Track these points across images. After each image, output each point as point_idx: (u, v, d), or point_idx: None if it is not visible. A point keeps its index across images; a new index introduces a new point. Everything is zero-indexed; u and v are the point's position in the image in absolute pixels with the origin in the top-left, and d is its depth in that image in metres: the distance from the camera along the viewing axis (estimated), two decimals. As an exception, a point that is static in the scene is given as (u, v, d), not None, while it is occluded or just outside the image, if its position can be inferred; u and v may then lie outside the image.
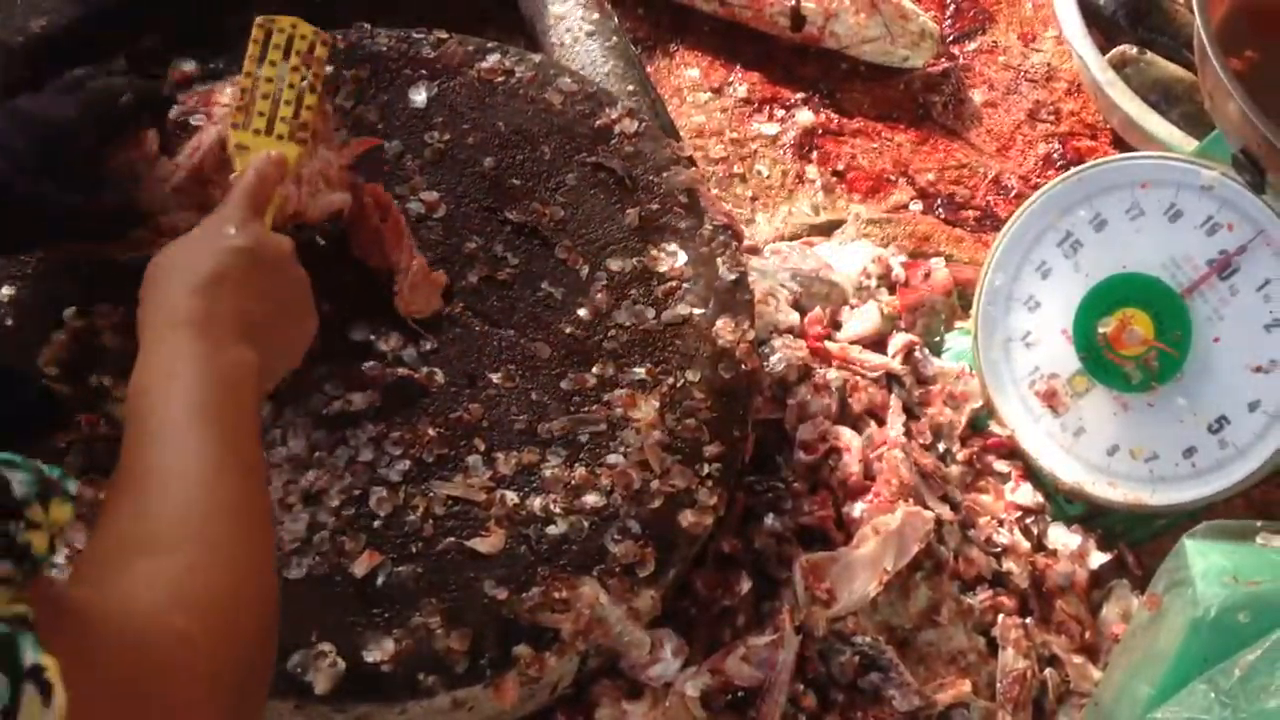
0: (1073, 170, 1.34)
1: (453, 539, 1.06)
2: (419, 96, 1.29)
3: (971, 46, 1.84)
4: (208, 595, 0.65)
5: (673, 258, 1.22)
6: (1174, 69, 1.63)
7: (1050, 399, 1.35)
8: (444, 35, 1.33)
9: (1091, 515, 1.37)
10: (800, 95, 1.76)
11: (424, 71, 1.30)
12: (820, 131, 1.73)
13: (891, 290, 1.53)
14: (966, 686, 1.21)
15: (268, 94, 1.03)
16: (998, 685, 1.23)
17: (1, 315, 1.11)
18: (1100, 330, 1.31)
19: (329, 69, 1.10)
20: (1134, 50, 1.64)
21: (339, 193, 1.09)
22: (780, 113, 1.75)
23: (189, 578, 0.65)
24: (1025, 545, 1.33)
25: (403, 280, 1.13)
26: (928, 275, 1.53)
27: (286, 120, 1.02)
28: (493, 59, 1.32)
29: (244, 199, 0.88)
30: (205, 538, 0.67)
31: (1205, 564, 1.13)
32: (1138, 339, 1.29)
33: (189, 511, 0.68)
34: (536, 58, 1.34)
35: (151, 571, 0.64)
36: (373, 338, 1.14)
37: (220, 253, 0.82)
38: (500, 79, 1.31)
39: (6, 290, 1.12)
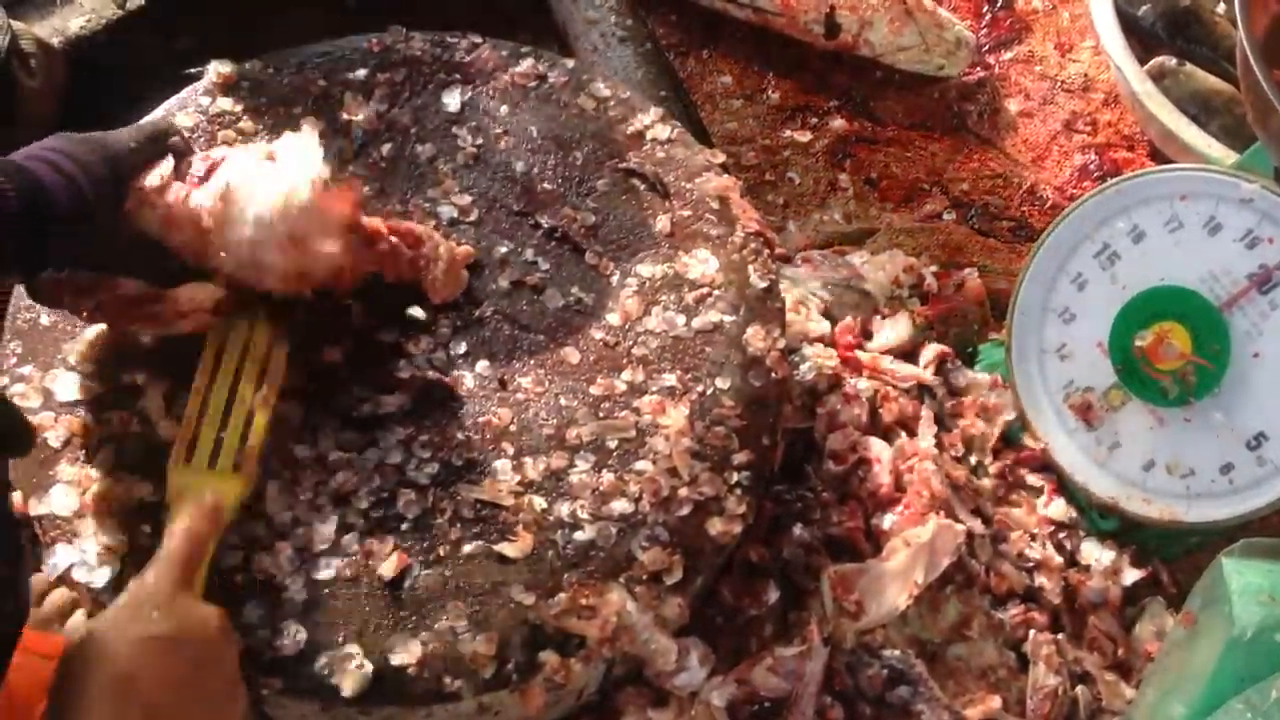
0: (1111, 182, 1.33)
1: (480, 543, 1.05)
2: (452, 100, 1.29)
3: (1007, 56, 1.82)
4: None
5: (704, 264, 1.21)
6: (1213, 81, 1.61)
7: (1085, 412, 1.34)
8: (478, 40, 1.33)
9: (1125, 531, 1.35)
10: (833, 103, 1.76)
11: (458, 76, 1.31)
12: (853, 139, 1.73)
13: (924, 300, 1.52)
14: (996, 702, 1.19)
15: (212, 423, 1.00)
16: (1028, 702, 1.22)
17: (37, 312, 1.12)
18: (1137, 343, 1.29)
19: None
20: (1173, 61, 1.63)
21: (339, 240, 1.06)
22: (813, 120, 1.74)
23: None
24: (1058, 560, 1.32)
25: (432, 270, 1.13)
26: (960, 285, 1.52)
27: (232, 450, 1.00)
28: (526, 64, 1.32)
29: (170, 570, 0.86)
30: None
31: (1242, 582, 1.11)
32: (1175, 353, 1.27)
33: None
34: (570, 63, 1.34)
35: None
36: (402, 340, 1.14)
37: (136, 646, 0.80)
38: (533, 84, 1.31)
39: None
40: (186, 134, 1.20)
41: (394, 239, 1.11)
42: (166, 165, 1.02)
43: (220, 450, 1.00)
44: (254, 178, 1.01)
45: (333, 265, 1.05)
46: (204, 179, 1.01)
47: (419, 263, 1.13)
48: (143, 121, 1.10)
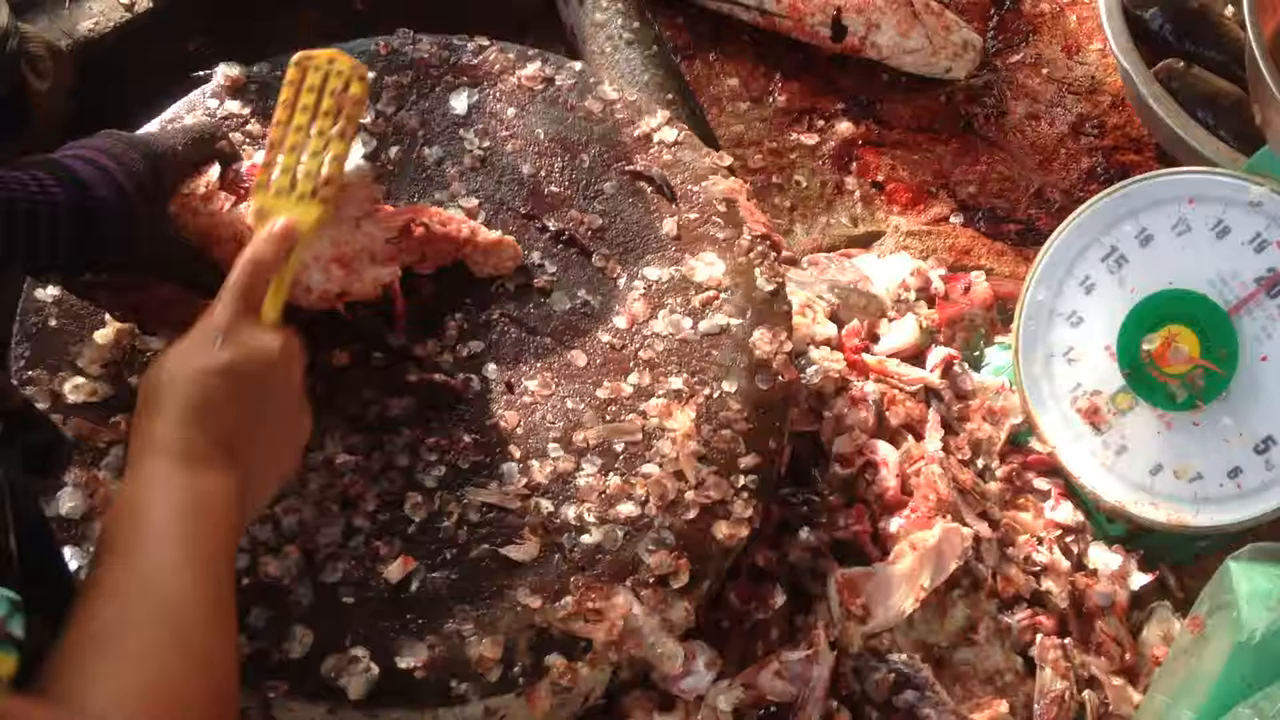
0: (1118, 185, 1.33)
1: (487, 546, 1.05)
2: (460, 103, 1.29)
3: (1015, 58, 1.82)
4: (169, 695, 0.67)
5: (710, 267, 1.21)
6: (1221, 83, 1.61)
7: (1092, 416, 1.34)
8: (485, 42, 1.33)
9: (1133, 535, 1.35)
10: (840, 106, 1.76)
11: (465, 78, 1.31)
12: (860, 142, 1.73)
13: (930, 303, 1.52)
14: (1003, 707, 1.19)
15: (295, 144, 0.98)
16: (1035, 706, 1.22)
17: (46, 315, 1.12)
18: (1145, 347, 1.29)
19: (365, 113, 1.05)
20: (1181, 64, 1.62)
21: (386, 268, 1.09)
22: (820, 123, 1.74)
23: (157, 683, 0.67)
24: (1065, 564, 1.32)
25: (472, 242, 1.15)
26: (968, 289, 1.52)
27: (311, 175, 0.97)
28: (533, 67, 1.32)
29: (234, 299, 0.85)
30: (174, 646, 0.69)
31: (1250, 587, 1.11)
32: (1183, 357, 1.27)
33: (158, 629, 0.69)
34: (577, 66, 1.34)
35: (118, 670, 0.66)
36: (410, 343, 1.14)
37: (202, 376, 0.80)
38: (540, 86, 1.31)
39: (52, 291, 1.13)
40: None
41: (425, 223, 1.12)
42: (214, 172, 1.03)
43: (297, 177, 0.97)
44: None
45: (379, 285, 1.06)
46: (249, 192, 1.01)
47: (457, 239, 1.13)
48: (189, 123, 1.10)
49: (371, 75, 1.28)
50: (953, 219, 1.67)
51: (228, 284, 0.86)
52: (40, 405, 1.07)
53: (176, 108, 1.25)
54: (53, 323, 1.12)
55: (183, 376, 0.80)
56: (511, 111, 1.29)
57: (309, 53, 1.00)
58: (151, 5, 1.48)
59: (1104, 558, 1.33)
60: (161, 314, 1.03)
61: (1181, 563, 1.36)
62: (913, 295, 1.51)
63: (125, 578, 0.71)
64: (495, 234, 1.18)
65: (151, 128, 1.23)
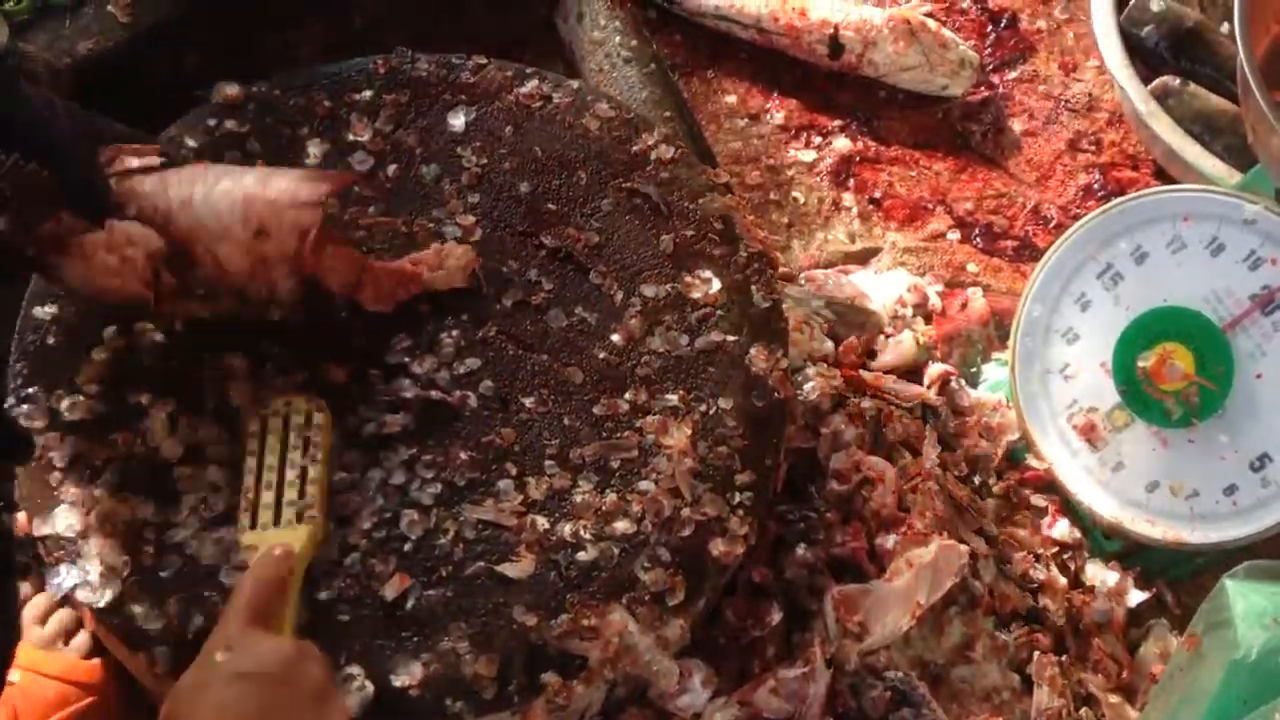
0: (1114, 202, 1.33)
1: (483, 563, 1.05)
2: (457, 121, 1.29)
3: (1011, 75, 1.83)
4: None
5: (707, 284, 1.22)
6: (1217, 101, 1.61)
7: (1088, 433, 1.34)
8: (483, 61, 1.34)
9: (1129, 552, 1.35)
10: (838, 122, 1.76)
11: (463, 96, 1.31)
12: (857, 159, 1.73)
13: (927, 320, 1.52)
14: (1000, 724, 1.19)
15: (271, 483, 1.03)
16: (1032, 723, 1.22)
17: (43, 333, 1.12)
18: (1140, 364, 1.29)
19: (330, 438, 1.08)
20: (1176, 81, 1.63)
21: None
22: (817, 140, 1.75)
23: None
24: (1062, 581, 1.32)
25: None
26: (965, 305, 1.52)
27: (293, 504, 1.01)
28: (531, 84, 1.33)
29: (235, 615, 0.86)
30: None
31: (1246, 605, 1.11)
32: (1178, 374, 1.27)
33: None
34: (574, 83, 1.35)
35: None
36: (407, 360, 1.14)
37: (209, 688, 0.80)
38: (538, 104, 1.32)
39: (49, 308, 1.13)
40: (194, 154, 1.22)
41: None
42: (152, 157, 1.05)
43: (282, 509, 1.02)
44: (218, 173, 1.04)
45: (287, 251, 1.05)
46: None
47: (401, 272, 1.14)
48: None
49: (369, 94, 1.29)
50: (950, 235, 1.67)
51: (230, 604, 0.87)
52: (38, 423, 1.07)
53: (175, 126, 1.26)
54: (50, 340, 1.12)
55: (198, 689, 0.80)
56: (509, 129, 1.30)
57: (267, 406, 1.06)
58: (150, 24, 1.48)
59: (1101, 574, 1.33)
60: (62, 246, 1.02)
61: (1178, 580, 1.36)
62: (910, 311, 1.52)
63: None
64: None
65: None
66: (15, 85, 0.96)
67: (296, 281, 1.05)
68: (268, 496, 1.02)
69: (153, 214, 1.03)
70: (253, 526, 1.01)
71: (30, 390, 1.09)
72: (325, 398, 1.11)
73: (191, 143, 1.23)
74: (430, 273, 1.16)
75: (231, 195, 1.03)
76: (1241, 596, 1.11)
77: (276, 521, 1.01)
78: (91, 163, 1.02)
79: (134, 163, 1.05)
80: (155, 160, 1.07)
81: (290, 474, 1.03)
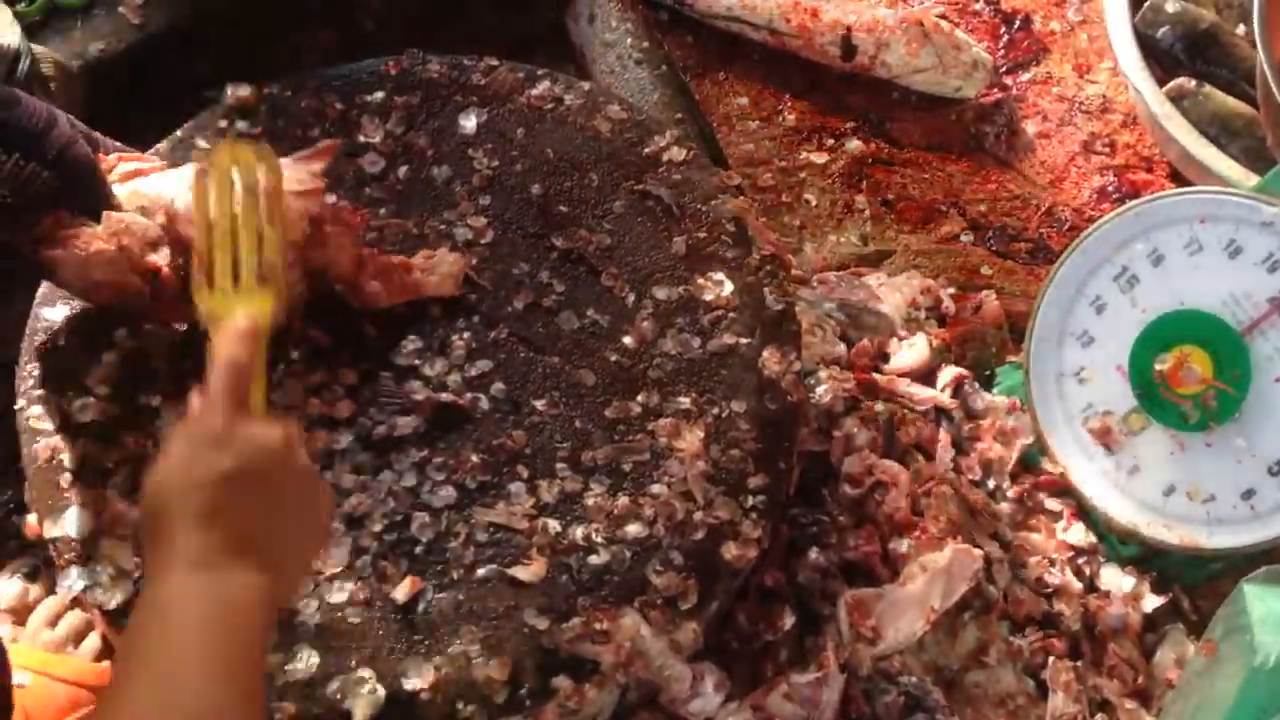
0: (1130, 204, 1.32)
1: (494, 566, 1.05)
2: (469, 123, 1.29)
3: (1025, 77, 1.82)
4: None
5: (719, 287, 1.21)
6: (1233, 103, 1.60)
7: (1104, 436, 1.33)
8: (495, 62, 1.34)
9: (1145, 557, 1.34)
10: (850, 124, 1.75)
11: (474, 98, 1.31)
12: (870, 161, 1.72)
13: (941, 322, 1.51)
14: (1015, 730, 1.18)
15: (224, 245, 0.95)
16: (1047, 729, 1.21)
17: (54, 335, 1.12)
18: (1157, 367, 1.28)
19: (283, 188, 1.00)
20: (1192, 83, 1.62)
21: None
22: (829, 142, 1.74)
23: None
24: (1077, 586, 1.30)
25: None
26: (978, 308, 1.51)
27: (252, 268, 0.94)
28: (542, 86, 1.32)
29: (223, 402, 0.83)
30: None
31: (1264, 610, 1.10)
32: (1196, 377, 1.26)
33: None
34: (586, 85, 1.35)
35: None
36: (418, 362, 1.14)
37: (209, 481, 0.78)
38: (549, 106, 1.31)
39: (61, 310, 1.13)
40: (205, 157, 1.22)
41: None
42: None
43: (239, 270, 0.94)
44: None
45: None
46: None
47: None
48: None
49: (380, 95, 1.29)
50: (963, 237, 1.67)
51: (211, 390, 0.84)
52: (48, 425, 1.07)
53: (187, 127, 1.26)
54: (61, 342, 1.12)
55: (193, 485, 0.78)
56: (520, 131, 1.29)
57: (207, 156, 0.98)
58: (163, 26, 1.48)
59: (1116, 579, 1.32)
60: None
61: (1195, 585, 1.35)
62: (923, 314, 1.51)
63: (143, 677, 0.70)
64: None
65: (161, 148, 1.23)
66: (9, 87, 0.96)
67: (301, 281, 1.05)
68: (222, 258, 0.94)
69: (155, 210, 1.02)
70: (209, 287, 0.94)
71: (41, 392, 1.09)
72: (332, 401, 1.11)
73: (203, 144, 1.23)
74: (422, 276, 1.15)
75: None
76: (1260, 602, 1.10)
77: (235, 283, 0.94)
78: (91, 166, 1.02)
79: (134, 165, 1.05)
80: (158, 163, 1.06)
81: (247, 237, 0.95)
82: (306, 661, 0.98)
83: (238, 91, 1.26)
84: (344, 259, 1.09)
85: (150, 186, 1.04)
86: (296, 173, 1.06)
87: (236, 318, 0.89)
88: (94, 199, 1.02)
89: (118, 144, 1.11)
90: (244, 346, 0.87)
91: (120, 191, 1.05)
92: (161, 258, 1.02)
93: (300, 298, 1.06)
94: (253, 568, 0.76)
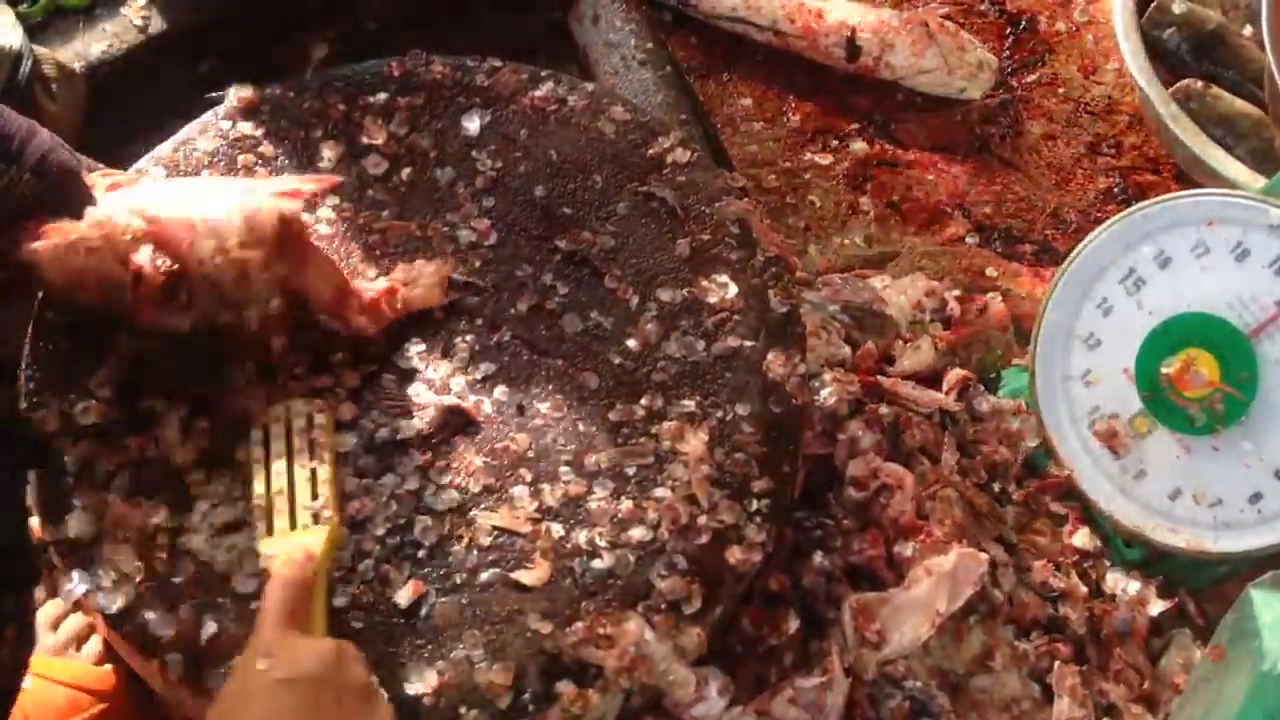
0: (1136, 206, 1.31)
1: (497, 570, 1.04)
2: (472, 124, 1.29)
3: (1030, 78, 1.81)
4: None
5: (724, 289, 1.21)
6: (1240, 104, 1.60)
7: (1110, 440, 1.32)
8: (498, 63, 1.33)
9: (1151, 560, 1.33)
10: (854, 125, 1.75)
11: (478, 99, 1.30)
12: (874, 162, 1.72)
13: (946, 325, 1.51)
14: (1020, 735, 1.18)
15: (282, 490, 1.02)
16: (1053, 734, 1.20)
17: (57, 338, 1.12)
18: (1163, 370, 1.28)
19: (338, 434, 1.07)
20: (1199, 84, 1.61)
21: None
22: (834, 143, 1.74)
23: None
24: (1083, 590, 1.30)
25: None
26: (983, 310, 1.51)
27: (307, 507, 1.01)
28: (546, 87, 1.32)
29: (269, 620, 0.86)
30: None
31: (1272, 615, 1.09)
32: (1203, 380, 1.26)
33: None
34: (589, 86, 1.34)
35: None
36: (421, 365, 1.14)
37: (258, 695, 0.80)
38: (553, 107, 1.31)
39: (62, 312, 1.12)
40: (207, 157, 1.21)
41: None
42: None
43: (295, 512, 1.01)
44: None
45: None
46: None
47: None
48: None
49: (384, 96, 1.28)
50: (968, 239, 1.66)
51: (263, 608, 0.87)
52: (50, 428, 1.07)
53: (189, 129, 1.25)
54: (64, 345, 1.11)
55: (239, 699, 0.81)
56: (524, 132, 1.29)
57: (266, 414, 1.05)
58: (165, 27, 1.48)
59: (1122, 583, 1.32)
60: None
61: (1201, 588, 1.35)
62: (928, 316, 1.50)
63: None
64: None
65: (163, 150, 1.23)
66: None
67: (281, 299, 1.04)
68: (280, 502, 1.01)
69: (139, 212, 1.02)
70: (269, 534, 1.00)
71: (43, 395, 1.09)
72: (335, 404, 1.10)
73: (205, 146, 1.23)
74: (406, 291, 1.14)
75: (220, 193, 1.03)
76: (1268, 607, 1.10)
77: (293, 526, 1.00)
78: (73, 173, 1.02)
79: (115, 179, 1.05)
80: (139, 178, 1.06)
81: (300, 476, 1.02)
82: (309, 666, 0.98)
83: (240, 92, 1.26)
84: (326, 289, 1.09)
85: (131, 194, 1.04)
86: (280, 180, 1.08)
87: (294, 549, 0.95)
88: (76, 204, 1.02)
89: (100, 165, 1.11)
90: (296, 570, 0.92)
91: (103, 200, 1.05)
92: (143, 258, 1.01)
93: (272, 305, 1.05)
94: None
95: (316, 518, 1.00)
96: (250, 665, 0.82)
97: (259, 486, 1.02)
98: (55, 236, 0.99)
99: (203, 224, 1.00)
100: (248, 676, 0.82)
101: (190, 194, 1.04)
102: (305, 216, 1.12)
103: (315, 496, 1.01)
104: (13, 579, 0.98)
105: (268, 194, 1.04)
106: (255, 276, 1.01)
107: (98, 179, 1.06)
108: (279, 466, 1.03)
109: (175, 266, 1.00)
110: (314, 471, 1.03)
